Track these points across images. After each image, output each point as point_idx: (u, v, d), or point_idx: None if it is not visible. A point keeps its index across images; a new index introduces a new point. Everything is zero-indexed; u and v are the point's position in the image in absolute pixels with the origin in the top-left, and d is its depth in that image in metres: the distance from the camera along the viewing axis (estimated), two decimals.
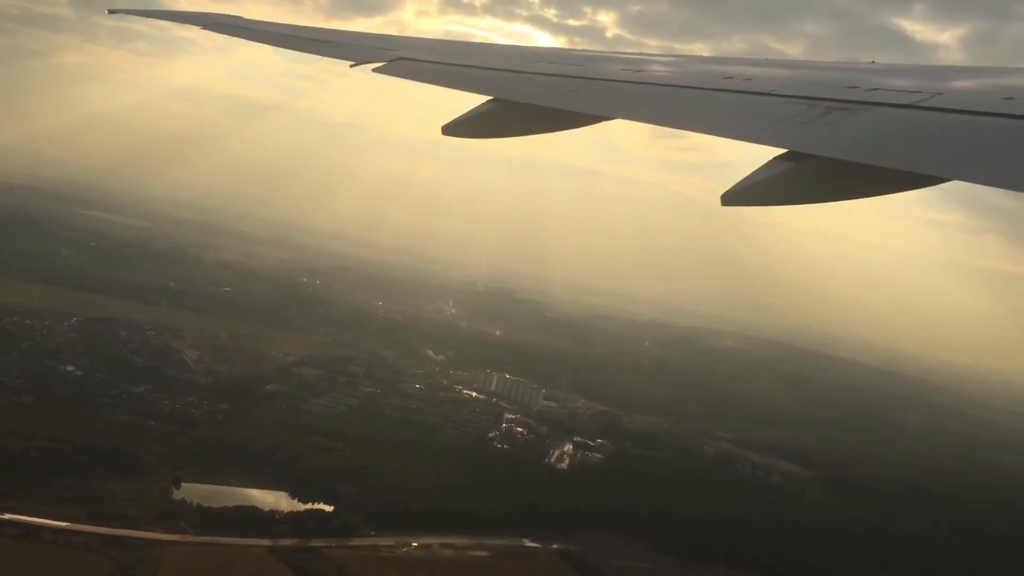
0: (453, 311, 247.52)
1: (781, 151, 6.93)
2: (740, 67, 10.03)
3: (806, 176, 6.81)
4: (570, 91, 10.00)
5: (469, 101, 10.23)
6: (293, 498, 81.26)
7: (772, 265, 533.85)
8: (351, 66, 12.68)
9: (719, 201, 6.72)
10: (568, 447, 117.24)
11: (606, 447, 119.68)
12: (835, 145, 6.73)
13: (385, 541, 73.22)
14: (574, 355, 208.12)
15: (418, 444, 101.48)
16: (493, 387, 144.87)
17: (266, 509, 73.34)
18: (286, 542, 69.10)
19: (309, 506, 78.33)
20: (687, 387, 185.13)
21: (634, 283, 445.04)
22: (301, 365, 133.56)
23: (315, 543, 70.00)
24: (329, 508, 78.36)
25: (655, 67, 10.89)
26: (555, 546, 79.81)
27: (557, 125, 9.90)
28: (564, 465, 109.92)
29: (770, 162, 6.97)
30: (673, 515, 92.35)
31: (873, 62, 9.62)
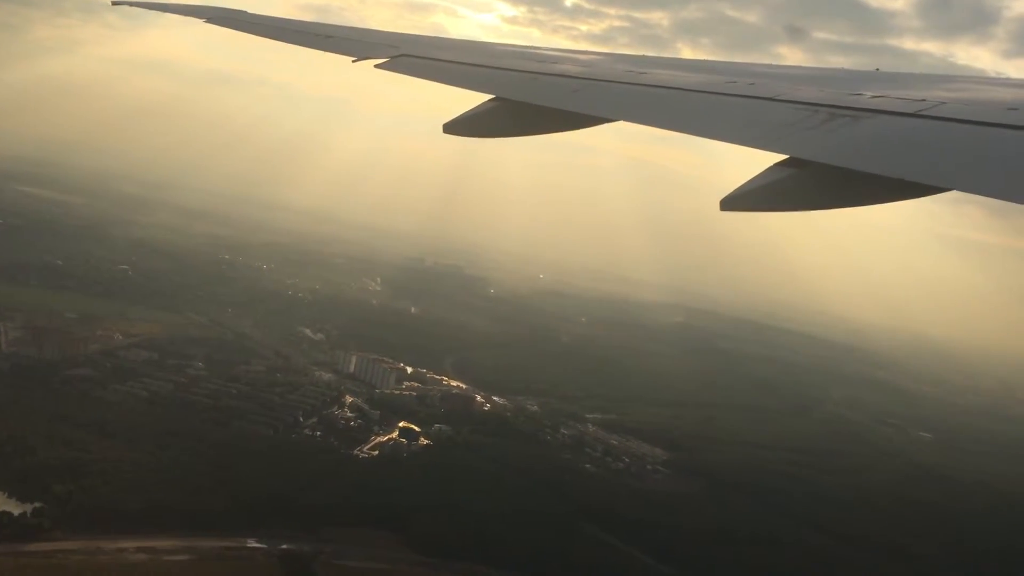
0: (377, 288, 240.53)
1: (782, 157, 6.86)
2: (743, 72, 10.24)
3: (807, 183, 6.71)
4: (573, 92, 10.07)
5: (467, 97, 10.11)
6: (11, 497, 75.00)
7: (747, 239, 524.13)
8: (353, 61, 12.68)
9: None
10: (394, 434, 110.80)
11: (441, 433, 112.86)
12: (837, 152, 6.67)
13: (68, 546, 66.92)
14: (488, 334, 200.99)
15: (199, 434, 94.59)
16: (352, 368, 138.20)
17: None
18: None
19: None
20: (591, 365, 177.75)
21: (604, 258, 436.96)
22: (137, 347, 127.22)
23: None
24: (23, 509, 71.76)
25: (658, 70, 11.03)
26: (284, 546, 73.48)
27: (559, 126, 9.80)
28: (374, 454, 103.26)
29: (771, 168, 6.93)
30: (451, 509, 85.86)
31: (877, 69, 10.35)
